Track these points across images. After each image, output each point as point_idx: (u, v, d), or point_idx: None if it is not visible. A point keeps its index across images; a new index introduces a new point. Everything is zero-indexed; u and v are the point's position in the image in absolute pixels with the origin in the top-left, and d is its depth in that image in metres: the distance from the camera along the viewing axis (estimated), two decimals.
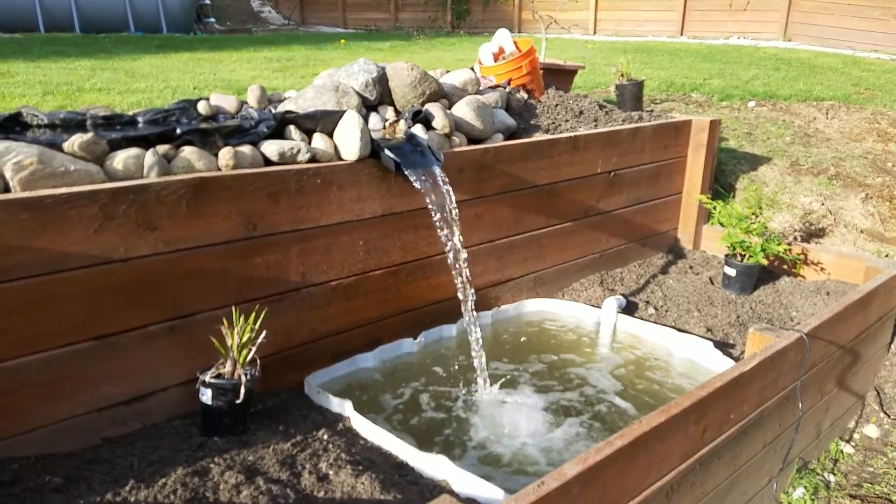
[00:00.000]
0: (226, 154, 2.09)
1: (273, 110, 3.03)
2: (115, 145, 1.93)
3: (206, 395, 1.99)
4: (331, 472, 1.84)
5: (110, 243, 1.86)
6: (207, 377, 1.98)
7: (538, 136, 3.26)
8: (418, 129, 2.68)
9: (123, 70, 5.52)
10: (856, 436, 3.10)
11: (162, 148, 1.99)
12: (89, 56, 6.36)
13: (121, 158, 1.90)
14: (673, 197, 4.13)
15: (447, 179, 2.52)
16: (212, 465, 1.83)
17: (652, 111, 4.36)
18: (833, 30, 10.45)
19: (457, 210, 2.51)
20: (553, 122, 3.53)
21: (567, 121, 3.60)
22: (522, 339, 2.98)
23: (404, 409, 2.41)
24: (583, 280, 3.59)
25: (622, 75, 4.19)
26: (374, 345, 2.65)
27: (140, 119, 2.51)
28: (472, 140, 2.95)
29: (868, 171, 4.86)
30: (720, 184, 4.57)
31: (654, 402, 2.53)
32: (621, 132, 3.58)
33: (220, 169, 2.11)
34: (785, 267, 3.77)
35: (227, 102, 2.92)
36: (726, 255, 3.55)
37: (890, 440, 3.04)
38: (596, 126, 3.62)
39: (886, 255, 3.91)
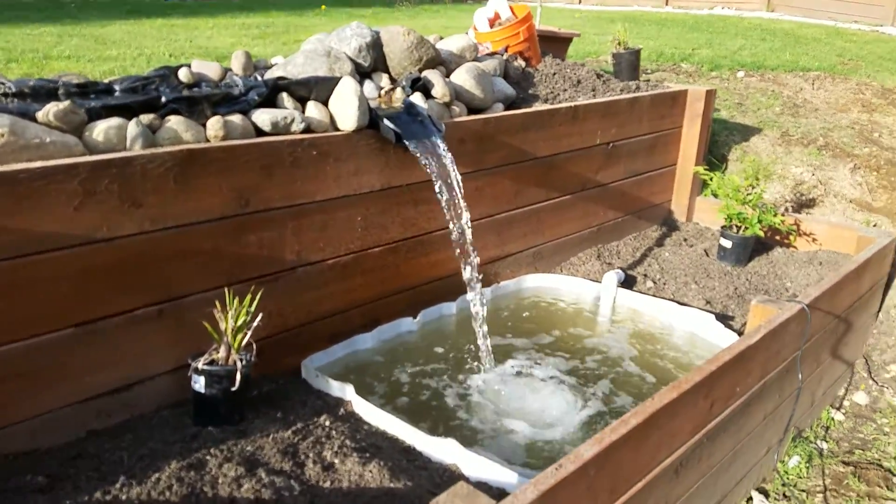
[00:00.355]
0: (215, 124, 1.92)
1: (259, 77, 2.83)
2: (95, 115, 1.74)
3: (199, 383, 1.85)
4: (336, 461, 1.73)
5: (92, 222, 1.69)
6: (200, 364, 1.84)
7: (538, 106, 3.11)
8: (417, 98, 2.51)
9: (92, 37, 5.20)
10: (846, 403, 3.08)
11: (146, 118, 1.81)
12: (54, 22, 5.99)
13: (101, 129, 1.72)
14: (668, 168, 4.02)
15: (449, 151, 2.37)
16: (208, 458, 1.70)
17: (648, 81, 4.22)
18: (815, 0, 10.35)
19: (460, 183, 2.37)
20: (552, 92, 3.38)
21: (565, 90, 3.45)
22: (524, 314, 2.87)
23: (406, 391, 2.30)
24: (580, 254, 3.48)
25: (619, 44, 4.04)
26: (372, 325, 2.52)
27: (117, 87, 2.32)
28: (472, 110, 2.79)
29: (855, 141, 4.81)
30: (713, 155, 4.47)
31: (659, 377, 2.45)
32: (620, 102, 3.44)
33: (208, 140, 1.94)
34: (778, 238, 3.71)
35: (210, 69, 2.72)
36: (722, 227, 3.46)
37: (878, 406, 3.03)
38: (594, 96, 3.48)
39: (875, 225, 3.87)
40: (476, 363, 2.45)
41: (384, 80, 2.77)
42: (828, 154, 4.53)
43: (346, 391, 2.10)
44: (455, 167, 2.36)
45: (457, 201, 2.36)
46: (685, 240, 3.82)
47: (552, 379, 2.40)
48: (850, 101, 5.93)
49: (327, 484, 1.64)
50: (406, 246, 2.58)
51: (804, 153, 4.57)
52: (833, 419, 2.92)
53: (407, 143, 2.29)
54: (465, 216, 2.36)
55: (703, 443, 2.00)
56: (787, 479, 2.53)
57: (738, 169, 4.47)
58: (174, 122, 1.86)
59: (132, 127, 1.75)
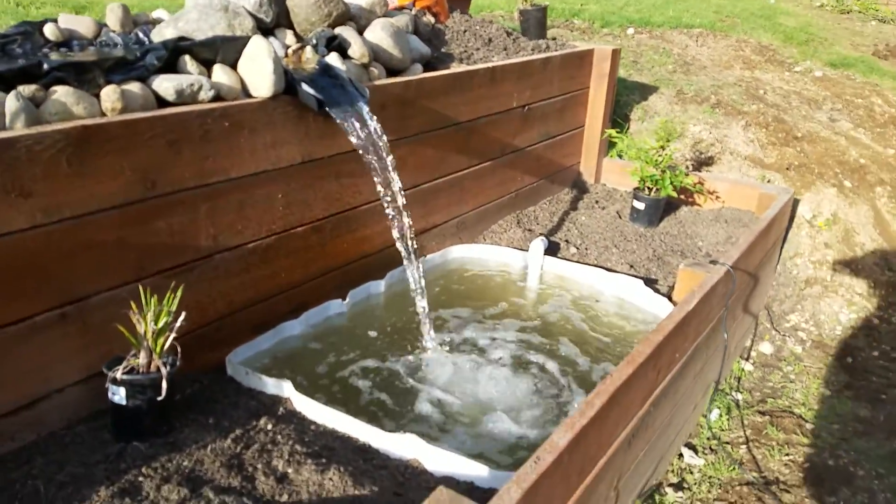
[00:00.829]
0: (111, 94, 1.68)
1: (142, 35, 2.55)
2: None
3: (119, 395, 1.66)
4: (290, 470, 1.63)
5: None
6: (119, 373, 1.65)
7: (455, 67, 3.04)
8: (333, 59, 2.36)
9: None
10: (753, 353, 3.35)
11: (26, 89, 1.55)
12: None
13: None
14: (577, 130, 4.11)
15: (375, 118, 2.25)
16: (142, 479, 1.54)
17: (555, 39, 4.26)
18: None
19: (390, 153, 2.27)
20: (465, 51, 3.31)
21: (478, 49, 3.40)
22: (455, 287, 2.84)
23: (345, 381, 2.20)
24: (500, 221, 3.50)
25: (525, 0, 4.02)
26: (299, 310, 2.38)
27: None
28: (391, 71, 2.67)
29: (743, 98, 5.16)
30: (616, 114, 4.63)
31: (601, 347, 2.51)
32: (534, 63, 3.44)
33: (104, 113, 1.70)
34: (683, 197, 3.92)
35: (82, 25, 2.42)
36: (635, 189, 3.60)
37: (782, 355, 3.32)
38: (507, 55, 3.45)
39: (768, 181, 4.20)
40: (415, 344, 2.40)
41: (289, 38, 2.57)
42: (721, 112, 4.83)
43: (283, 388, 1.98)
44: (384, 136, 2.25)
45: (388, 173, 2.26)
46: (597, 202, 3.95)
47: (497, 355, 2.39)
48: (731, 57, 6.35)
49: (285, 497, 1.54)
50: (331, 223, 2.45)
51: (699, 111, 4.84)
52: (744, 370, 3.17)
53: (330, 110, 2.15)
54: (397, 187, 2.28)
55: (650, 411, 2.09)
56: (712, 432, 2.72)
57: (641, 128, 4.67)
58: (62, 93, 1.60)
59: (11, 101, 1.49)
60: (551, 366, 2.36)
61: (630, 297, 2.76)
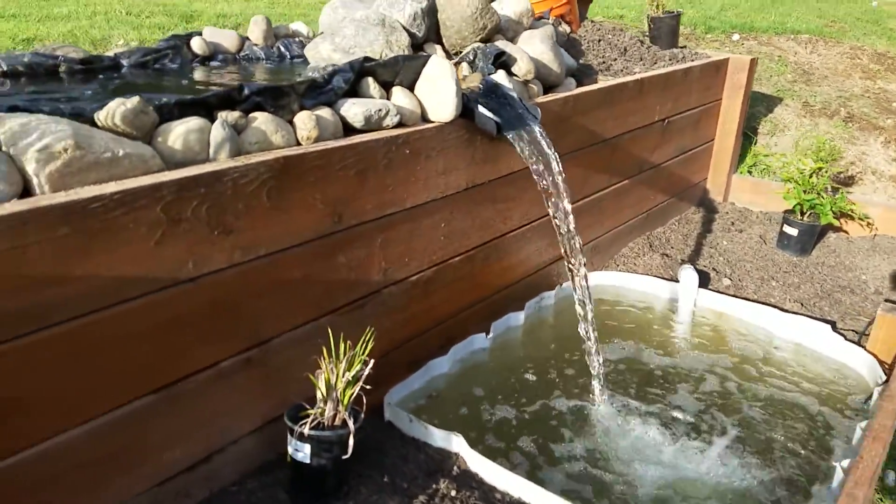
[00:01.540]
0: (307, 122, 1.57)
1: (283, 49, 2.49)
2: (167, 114, 1.37)
3: (304, 452, 1.56)
4: None
5: (177, 257, 1.35)
6: (306, 429, 1.54)
7: (602, 80, 2.87)
8: (501, 77, 2.22)
9: None
10: None
11: (230, 116, 1.45)
12: None
13: (179, 134, 1.35)
14: (706, 145, 3.90)
15: (550, 140, 2.11)
16: None
17: (685, 47, 4.06)
18: None
19: (562, 174, 2.13)
20: (603, 62, 3.15)
21: (615, 59, 3.23)
22: (603, 323, 2.67)
23: (501, 428, 2.05)
24: (631, 244, 3.32)
25: (657, 7, 3.83)
26: (447, 345, 2.26)
27: (124, 62, 1.96)
28: (548, 87, 2.53)
29: (876, 112, 4.84)
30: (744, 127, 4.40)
31: (803, 407, 2.24)
32: (675, 73, 3.25)
33: (298, 142, 1.60)
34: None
35: (226, 39, 2.38)
36: (786, 212, 3.37)
37: None
38: (644, 65, 3.27)
39: None
40: (566, 388, 2.24)
41: (439, 53, 2.46)
42: (854, 126, 4.54)
43: (452, 442, 1.84)
44: (559, 160, 2.11)
45: (561, 202, 2.12)
46: (732, 224, 3.72)
47: (675, 414, 2.17)
48: (848, 66, 6.00)
49: None
50: (483, 252, 2.32)
51: (830, 125, 4.56)
52: None
53: (507, 134, 2.02)
54: (570, 215, 2.14)
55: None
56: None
57: (769, 143, 4.42)
58: (262, 120, 1.50)
59: (217, 130, 1.40)
60: (755, 432, 2.11)
61: (811, 344, 2.51)
